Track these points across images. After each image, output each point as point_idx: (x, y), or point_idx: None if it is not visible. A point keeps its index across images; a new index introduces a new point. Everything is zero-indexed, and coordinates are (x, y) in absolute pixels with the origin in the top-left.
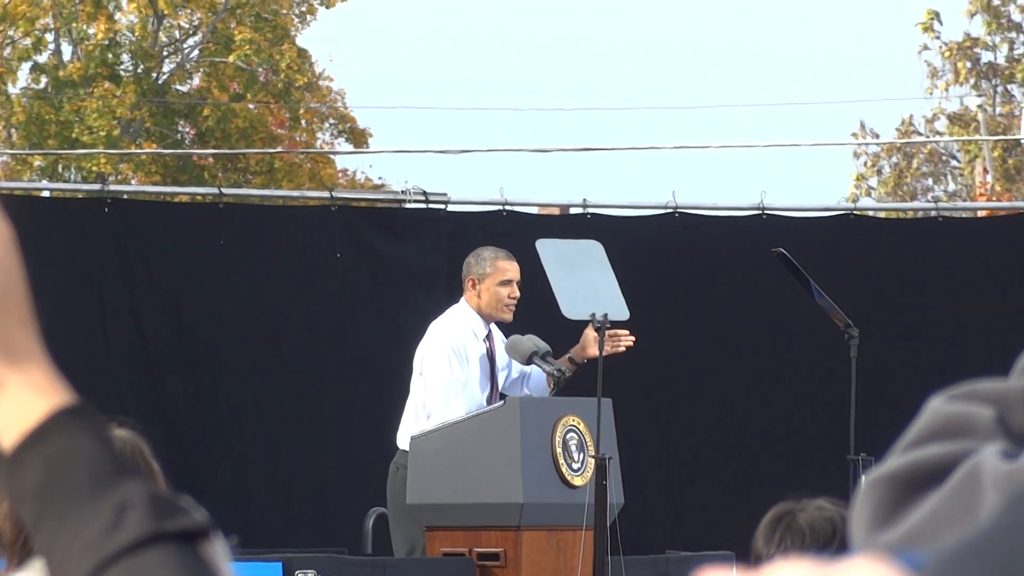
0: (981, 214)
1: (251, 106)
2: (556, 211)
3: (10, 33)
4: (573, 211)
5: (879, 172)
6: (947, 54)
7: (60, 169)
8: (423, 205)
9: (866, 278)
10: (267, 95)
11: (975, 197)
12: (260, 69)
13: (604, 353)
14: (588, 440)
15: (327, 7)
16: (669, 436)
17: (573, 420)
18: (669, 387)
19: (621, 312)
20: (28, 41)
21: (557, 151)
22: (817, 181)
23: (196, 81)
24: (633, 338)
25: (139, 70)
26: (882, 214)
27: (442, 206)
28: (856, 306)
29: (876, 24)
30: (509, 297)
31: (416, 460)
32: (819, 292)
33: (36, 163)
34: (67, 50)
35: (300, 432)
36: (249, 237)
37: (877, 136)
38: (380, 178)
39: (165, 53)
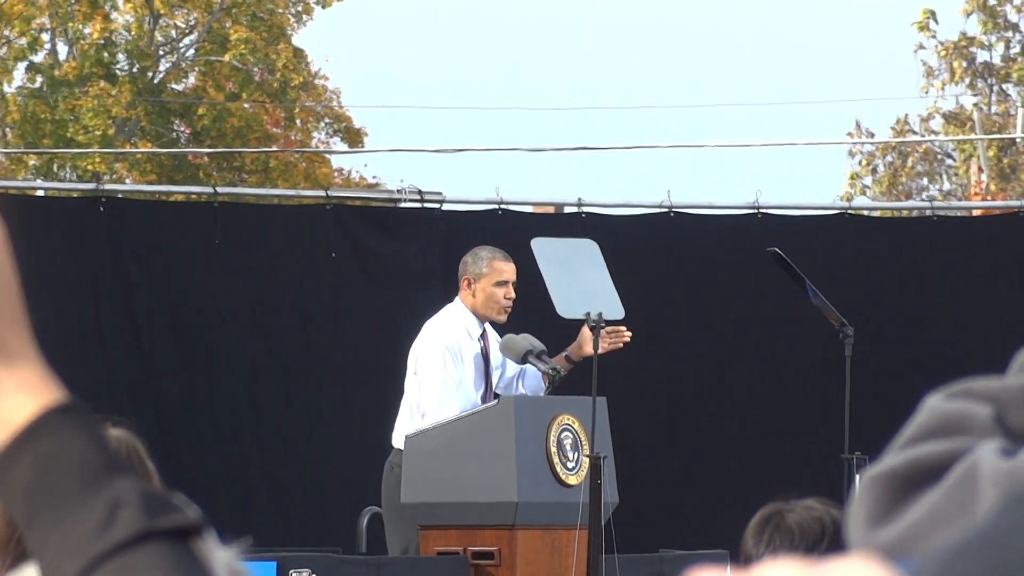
0: (976, 213)
1: (246, 105)
2: (551, 210)
3: (6, 32)
4: (568, 210)
5: (874, 171)
6: (943, 53)
7: (55, 168)
8: (418, 204)
9: (861, 277)
10: (263, 94)
11: (970, 196)
12: (256, 68)
13: (602, 349)
14: (583, 439)
15: (323, 6)
16: (663, 435)
17: (568, 419)
18: (664, 386)
19: (616, 311)
20: (24, 40)
21: (552, 150)
22: (812, 180)
23: (192, 80)
24: (630, 333)
25: (135, 69)
26: (877, 213)
27: (437, 205)
28: (851, 305)
29: (872, 23)
30: (505, 298)
31: (410, 459)
32: (814, 291)
33: (31, 162)
34: (63, 49)
35: (294, 431)
36: (244, 236)
37: (872, 135)
38: (375, 177)
39: (161, 52)
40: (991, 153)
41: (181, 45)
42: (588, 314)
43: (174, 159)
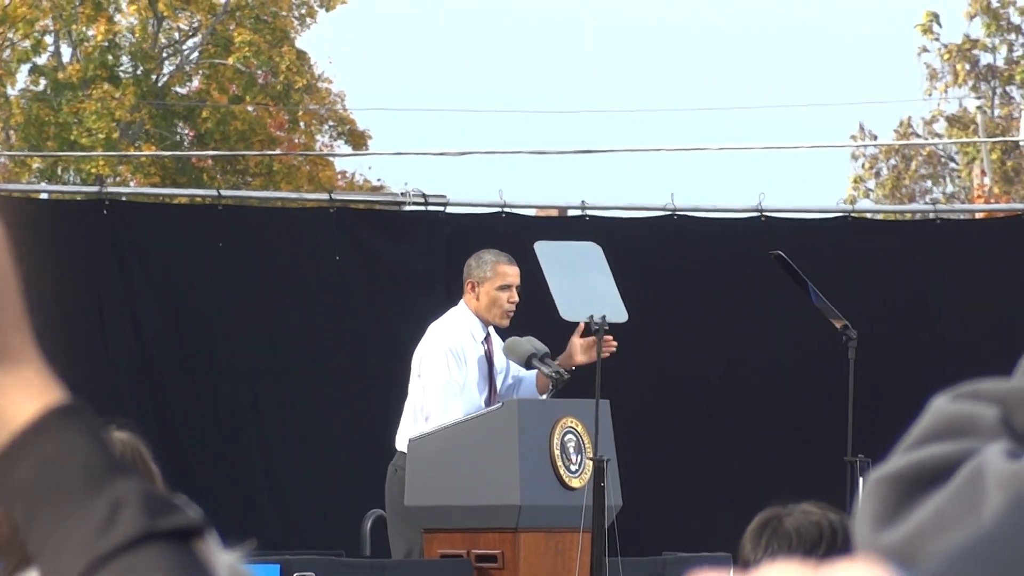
0: (979, 216)
1: (250, 108)
2: (555, 213)
3: (9, 35)
4: (571, 213)
5: (877, 174)
6: (946, 56)
7: (59, 171)
8: (422, 207)
9: (864, 280)
10: (266, 97)
11: (973, 199)
12: (259, 71)
13: (588, 359)
14: (586, 442)
15: (326, 9)
16: (667, 438)
17: (571, 422)
18: (667, 389)
19: (619, 314)
20: (27, 43)
21: (556, 153)
22: (815, 183)
23: (195, 83)
24: (616, 343)
25: (138, 72)
26: (880, 216)
27: (441, 208)
28: (854, 308)
29: (875, 26)
30: (508, 302)
31: (414, 462)
32: (817, 294)
33: (35, 165)
34: (66, 52)
35: (298, 434)
36: (248, 239)
37: (875, 138)
38: (379, 180)
39: (164, 55)
40: (994, 156)
41: (185, 48)
42: (591, 317)
43: (178, 162)
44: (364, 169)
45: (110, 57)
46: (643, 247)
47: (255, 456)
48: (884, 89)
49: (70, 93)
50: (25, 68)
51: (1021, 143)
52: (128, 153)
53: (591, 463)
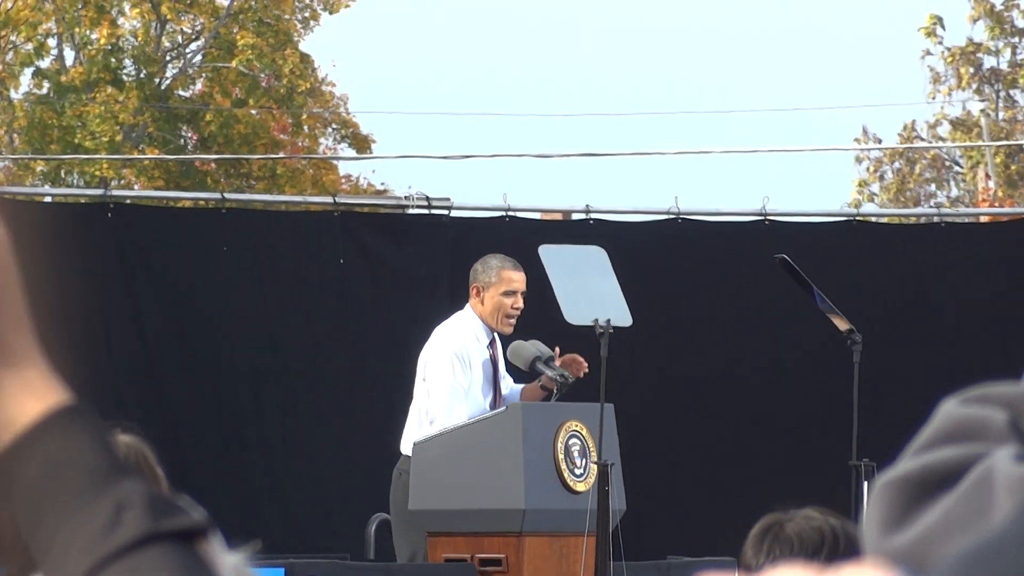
0: (983, 220)
1: (254, 111)
2: (559, 217)
3: (12, 38)
4: (576, 217)
5: (881, 178)
6: (950, 59)
7: (63, 174)
8: (426, 211)
9: (868, 284)
10: (270, 100)
11: (977, 203)
12: (263, 74)
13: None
14: (590, 446)
15: (330, 12)
16: (671, 442)
17: (575, 426)
18: (671, 393)
19: (624, 318)
20: (30, 46)
21: (560, 157)
22: (819, 187)
23: (199, 86)
24: (587, 366)
25: (142, 75)
26: (884, 220)
27: (445, 212)
28: (858, 312)
29: (878, 29)
30: (512, 308)
31: (418, 466)
32: (821, 298)
33: (39, 168)
34: (70, 55)
35: (302, 437)
36: (252, 242)
37: (880, 141)
38: (383, 184)
39: (168, 58)
40: (998, 159)
41: (188, 51)
42: (596, 321)
43: (181, 165)
44: (368, 173)
45: (113, 60)
46: (647, 250)
47: (259, 459)
48: (888, 92)
49: (73, 96)
50: (28, 71)
51: None
52: (132, 156)
53: (595, 467)
